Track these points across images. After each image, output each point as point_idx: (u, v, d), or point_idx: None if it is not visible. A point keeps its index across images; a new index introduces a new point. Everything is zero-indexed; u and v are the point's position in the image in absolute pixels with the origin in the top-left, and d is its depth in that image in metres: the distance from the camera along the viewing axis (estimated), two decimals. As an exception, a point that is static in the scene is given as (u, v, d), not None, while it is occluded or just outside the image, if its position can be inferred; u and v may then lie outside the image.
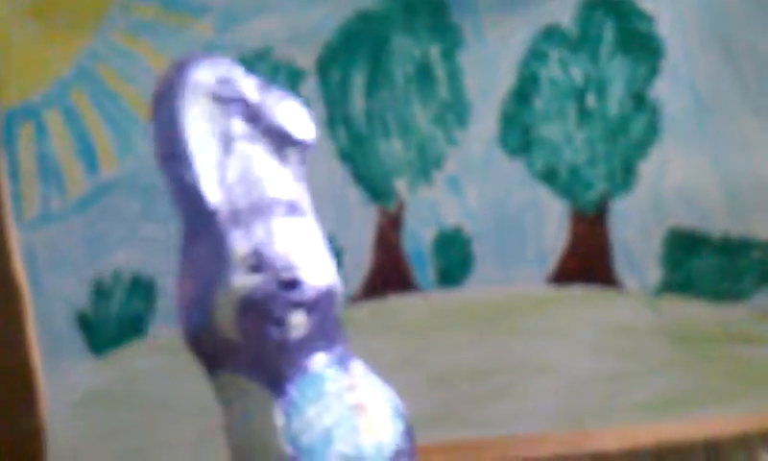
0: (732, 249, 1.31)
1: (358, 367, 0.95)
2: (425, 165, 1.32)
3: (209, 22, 1.30)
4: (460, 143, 1.31)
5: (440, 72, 1.30)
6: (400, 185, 1.32)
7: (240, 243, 0.92)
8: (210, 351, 0.94)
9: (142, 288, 1.32)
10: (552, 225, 1.32)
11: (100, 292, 1.32)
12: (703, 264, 1.32)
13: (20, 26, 1.30)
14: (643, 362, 1.32)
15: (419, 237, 1.32)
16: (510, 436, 1.33)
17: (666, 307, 1.32)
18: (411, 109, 1.31)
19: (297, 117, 0.98)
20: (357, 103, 1.30)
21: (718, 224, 1.31)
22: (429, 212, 1.32)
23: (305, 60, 1.30)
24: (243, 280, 0.91)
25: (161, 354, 1.32)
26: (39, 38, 1.30)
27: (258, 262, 0.91)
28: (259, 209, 0.94)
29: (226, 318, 0.92)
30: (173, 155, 0.93)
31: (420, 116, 1.31)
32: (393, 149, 1.31)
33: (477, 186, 1.31)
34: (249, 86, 0.96)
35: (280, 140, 0.96)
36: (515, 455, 1.32)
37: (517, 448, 1.32)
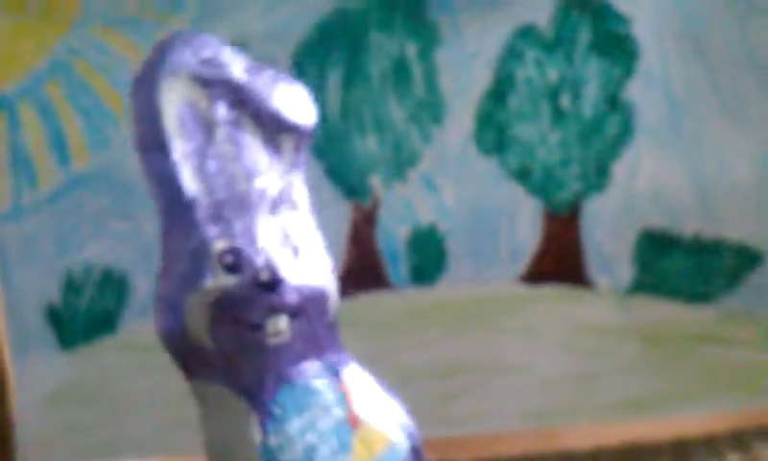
0: (704, 250, 1.31)
1: (355, 376, 0.86)
2: (400, 163, 1.31)
3: (186, 16, 1.29)
4: (435, 141, 1.31)
5: (416, 70, 1.30)
6: (375, 182, 1.32)
7: (217, 239, 0.83)
8: (184, 355, 0.85)
9: (113, 283, 1.31)
10: (525, 224, 1.32)
11: (70, 286, 1.31)
12: (674, 265, 1.32)
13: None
14: (613, 362, 1.33)
15: (393, 235, 1.32)
16: (478, 435, 1.33)
17: (637, 307, 1.32)
18: (387, 106, 1.30)
19: (293, 100, 0.89)
20: (333, 99, 1.30)
21: (690, 225, 1.31)
22: (404, 210, 1.32)
23: (282, 54, 1.30)
24: (217, 281, 0.82)
25: (132, 351, 1.31)
26: (14, 30, 1.28)
27: (235, 261, 0.82)
28: (241, 203, 0.85)
29: (198, 322, 0.83)
30: (149, 141, 0.84)
31: (396, 113, 1.30)
32: (368, 145, 1.31)
33: (452, 185, 1.31)
34: (236, 67, 0.86)
35: (272, 126, 0.87)
36: (483, 454, 1.32)
37: (486, 446, 1.32)
